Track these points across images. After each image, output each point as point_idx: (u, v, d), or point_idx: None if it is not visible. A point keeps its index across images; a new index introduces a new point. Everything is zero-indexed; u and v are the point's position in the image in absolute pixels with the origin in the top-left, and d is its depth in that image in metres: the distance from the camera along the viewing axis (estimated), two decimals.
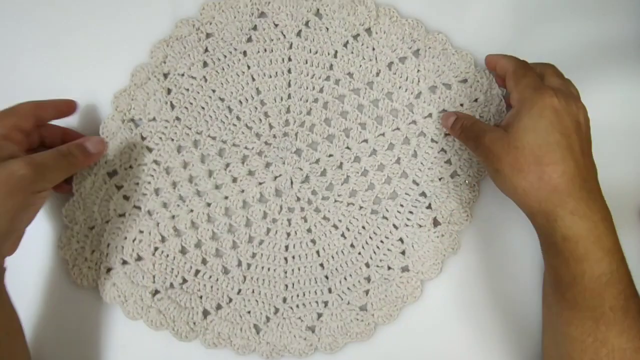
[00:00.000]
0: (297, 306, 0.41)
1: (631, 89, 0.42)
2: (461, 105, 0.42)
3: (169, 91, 0.42)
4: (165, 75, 0.42)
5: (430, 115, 0.42)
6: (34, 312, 0.42)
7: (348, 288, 0.41)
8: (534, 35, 0.43)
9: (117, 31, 0.43)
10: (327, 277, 0.42)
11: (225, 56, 0.42)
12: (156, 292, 0.41)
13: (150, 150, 0.41)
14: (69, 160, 0.36)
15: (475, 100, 0.42)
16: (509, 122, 0.34)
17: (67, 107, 0.39)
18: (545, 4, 0.43)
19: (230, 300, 0.41)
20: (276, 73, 0.42)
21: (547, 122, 0.32)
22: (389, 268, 0.41)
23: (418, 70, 0.41)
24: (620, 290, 0.32)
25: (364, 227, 0.42)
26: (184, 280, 0.42)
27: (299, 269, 0.42)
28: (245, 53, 0.42)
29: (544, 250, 0.35)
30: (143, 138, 0.41)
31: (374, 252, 0.41)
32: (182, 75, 0.42)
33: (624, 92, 0.42)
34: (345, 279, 0.41)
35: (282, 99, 0.42)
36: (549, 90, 0.33)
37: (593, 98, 0.40)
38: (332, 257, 0.42)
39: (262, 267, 0.42)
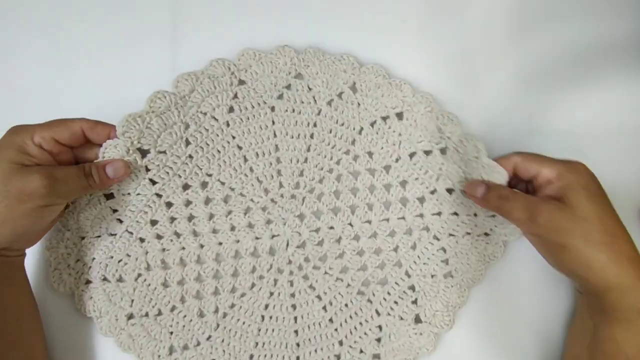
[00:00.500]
0: None
1: (631, 89, 0.43)
2: (475, 215, 0.41)
3: (187, 126, 0.41)
4: (187, 109, 0.41)
5: (439, 213, 0.42)
6: None
7: None
8: (534, 36, 0.43)
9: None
10: (298, 345, 0.42)
11: (253, 107, 0.42)
12: (131, 316, 0.41)
13: (153, 183, 0.41)
14: (88, 181, 0.37)
15: (493, 216, 0.41)
16: (560, 195, 0.33)
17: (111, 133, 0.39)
18: (546, 4, 0.43)
19: (199, 343, 0.42)
20: (299, 135, 0.42)
21: (599, 193, 0.33)
22: (361, 352, 0.41)
23: (440, 169, 0.41)
24: None
25: (346, 305, 0.42)
26: (160, 313, 0.42)
27: (272, 330, 0.42)
28: (273, 108, 0.42)
29: (603, 326, 0.33)
30: (148, 170, 0.41)
31: (350, 332, 0.41)
32: (205, 114, 0.41)
33: (624, 92, 0.43)
34: (315, 351, 0.41)
35: (298, 161, 0.42)
36: (578, 163, 0.35)
37: (593, 98, 0.42)
38: (309, 327, 0.42)
39: (238, 320, 0.42)
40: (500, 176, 0.38)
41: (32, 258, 0.41)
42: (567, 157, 0.41)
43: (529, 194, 0.36)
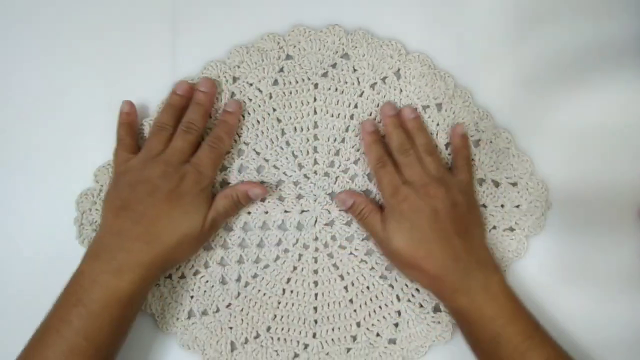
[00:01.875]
0: (278, 339, 0.42)
1: (631, 89, 0.44)
2: (502, 206, 0.42)
3: (232, 94, 0.43)
4: (235, 79, 0.43)
5: None
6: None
7: (332, 339, 0.42)
8: (534, 36, 0.44)
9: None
10: (315, 322, 0.42)
11: (297, 82, 0.43)
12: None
13: None
14: (237, 206, 0.41)
15: (517, 206, 0.42)
16: (385, 224, 0.39)
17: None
18: (545, 5, 0.44)
19: (218, 310, 0.43)
20: (339, 114, 0.43)
21: (409, 224, 0.38)
22: (378, 335, 0.42)
23: (472, 159, 0.42)
24: (513, 348, 0.36)
25: (368, 288, 0.42)
26: (182, 276, 0.43)
27: (292, 304, 0.42)
28: (316, 85, 0.43)
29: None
30: None
31: (369, 315, 0.42)
32: (251, 84, 0.43)
33: (624, 92, 0.44)
34: (332, 330, 0.42)
35: (335, 140, 0.43)
36: (402, 195, 0.39)
37: (592, 98, 0.43)
38: (328, 305, 0.42)
39: (259, 290, 0.42)
40: (528, 164, 0.42)
41: (63, 216, 0.42)
42: (566, 157, 0.43)
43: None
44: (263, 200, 0.43)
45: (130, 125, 0.41)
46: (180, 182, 0.38)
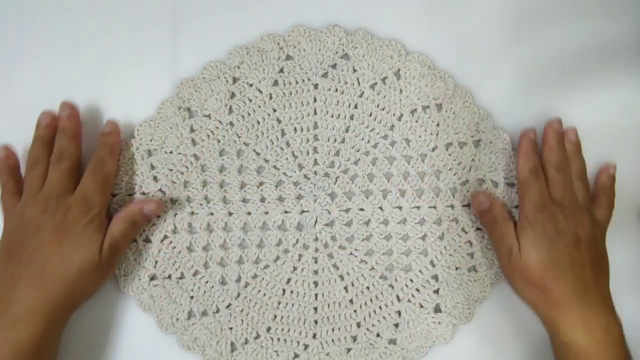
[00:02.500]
0: (278, 339, 0.42)
1: (631, 89, 0.44)
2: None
3: (232, 95, 0.43)
4: (235, 80, 0.43)
5: (469, 205, 0.43)
6: None
7: (332, 340, 0.42)
8: (534, 37, 0.44)
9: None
10: (315, 322, 0.43)
11: (297, 82, 0.43)
12: (154, 277, 0.43)
13: (194, 143, 0.43)
14: (135, 228, 0.41)
15: (516, 206, 0.42)
16: (520, 236, 0.38)
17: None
18: (545, 5, 0.44)
19: (218, 310, 0.43)
20: (339, 115, 0.43)
21: (549, 243, 0.37)
22: (378, 335, 0.42)
23: (472, 160, 0.43)
24: None
25: (368, 288, 0.43)
26: (182, 276, 0.43)
27: (292, 305, 0.43)
28: (316, 86, 0.43)
29: (553, 347, 0.39)
30: (192, 130, 0.43)
31: (369, 315, 0.42)
32: (251, 85, 0.43)
33: (624, 92, 0.44)
34: (333, 330, 0.42)
35: (335, 141, 0.43)
36: (549, 212, 0.38)
37: (593, 98, 0.44)
38: (328, 306, 0.42)
39: (259, 291, 0.43)
40: None
41: None
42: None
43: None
44: (263, 200, 0.43)
45: (10, 168, 0.41)
46: (65, 215, 0.37)
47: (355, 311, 0.42)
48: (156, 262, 0.43)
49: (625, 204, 0.43)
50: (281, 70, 0.43)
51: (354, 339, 0.42)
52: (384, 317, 0.42)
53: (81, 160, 0.41)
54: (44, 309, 0.36)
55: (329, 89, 0.43)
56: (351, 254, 0.43)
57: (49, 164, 0.40)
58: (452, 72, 0.43)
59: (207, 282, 0.43)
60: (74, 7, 0.44)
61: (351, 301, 0.43)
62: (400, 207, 0.43)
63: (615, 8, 0.44)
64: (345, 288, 0.43)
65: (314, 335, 0.42)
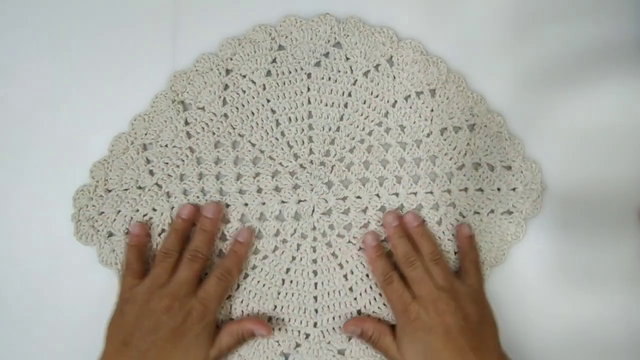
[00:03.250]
0: (279, 329, 0.42)
1: (630, 89, 0.44)
2: (498, 189, 0.43)
3: (226, 87, 0.43)
4: (228, 71, 0.43)
5: (465, 189, 0.43)
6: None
7: (333, 328, 0.43)
8: (533, 37, 0.44)
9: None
10: (316, 311, 0.43)
11: (290, 72, 0.44)
12: None
13: (189, 136, 0.43)
14: (241, 343, 0.41)
15: (514, 189, 0.43)
16: (399, 345, 0.39)
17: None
18: (545, 6, 0.45)
19: None
20: (333, 103, 0.43)
21: (422, 345, 0.38)
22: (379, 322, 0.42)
23: (468, 144, 0.43)
24: None
25: (367, 276, 0.43)
26: None
27: (292, 294, 0.43)
28: (309, 75, 0.44)
29: None
30: (187, 123, 0.43)
31: (369, 303, 0.43)
32: (244, 76, 0.43)
33: (624, 92, 0.44)
34: (333, 318, 0.43)
35: (330, 129, 0.43)
36: (412, 313, 0.38)
37: (592, 98, 0.44)
38: (328, 294, 0.43)
39: (258, 282, 0.43)
40: (520, 147, 0.43)
41: (60, 213, 0.43)
42: (566, 157, 0.43)
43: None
44: (259, 191, 0.43)
45: (139, 248, 0.42)
46: (186, 318, 0.38)
47: (355, 299, 0.43)
48: (154, 256, 0.43)
49: (625, 204, 0.43)
50: (274, 61, 0.43)
51: None
52: (384, 304, 0.43)
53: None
54: None
55: (322, 78, 0.43)
56: (349, 241, 0.43)
57: (180, 257, 0.40)
58: (445, 58, 0.44)
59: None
60: (73, 3, 0.45)
61: (351, 289, 0.43)
62: (397, 194, 0.43)
63: (616, 8, 0.45)
64: (345, 276, 0.43)
65: (315, 324, 0.43)
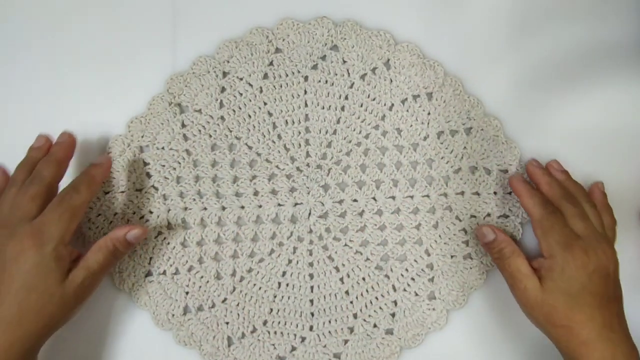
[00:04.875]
0: (275, 332, 0.43)
1: (631, 90, 0.45)
2: (495, 193, 0.43)
3: (222, 89, 0.44)
4: (225, 74, 0.44)
5: (462, 193, 0.44)
6: None
7: (329, 332, 0.43)
8: (530, 41, 0.45)
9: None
10: (312, 314, 0.43)
11: (287, 75, 0.45)
12: (149, 273, 0.44)
13: (186, 139, 0.43)
14: (116, 256, 0.39)
15: (510, 193, 0.43)
16: (543, 275, 0.37)
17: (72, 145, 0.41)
18: (542, 10, 0.45)
19: (213, 305, 0.44)
20: (329, 106, 0.44)
21: (579, 285, 0.36)
22: (375, 326, 0.43)
23: (464, 148, 0.44)
24: None
25: (364, 279, 0.43)
26: (177, 272, 0.44)
27: (288, 298, 0.43)
28: (306, 78, 0.44)
29: None
30: (184, 125, 0.44)
31: (366, 306, 0.43)
32: (241, 79, 0.44)
33: (624, 93, 0.45)
34: (329, 322, 0.43)
35: (327, 132, 0.44)
36: (578, 249, 0.37)
37: (593, 99, 0.44)
38: (324, 297, 0.43)
39: (254, 285, 0.43)
40: (516, 151, 0.44)
41: None
42: (566, 158, 0.44)
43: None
44: (256, 194, 0.44)
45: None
46: (15, 248, 0.35)
47: (351, 302, 0.43)
48: (150, 258, 0.43)
49: (625, 204, 0.44)
50: (271, 64, 0.44)
51: (351, 330, 0.43)
52: (380, 308, 0.43)
53: (57, 189, 0.39)
54: (7, 352, 0.34)
55: (319, 81, 0.44)
56: (346, 245, 0.44)
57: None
58: (442, 61, 0.44)
59: (202, 277, 0.43)
60: (73, 6, 0.45)
61: (347, 292, 0.43)
62: (393, 197, 0.44)
63: (615, 9, 0.45)
64: (341, 279, 0.44)
65: (311, 328, 0.43)
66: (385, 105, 0.44)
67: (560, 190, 0.40)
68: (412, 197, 0.44)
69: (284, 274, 0.44)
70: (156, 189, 0.44)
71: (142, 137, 0.44)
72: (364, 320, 0.43)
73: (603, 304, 0.37)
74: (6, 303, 0.35)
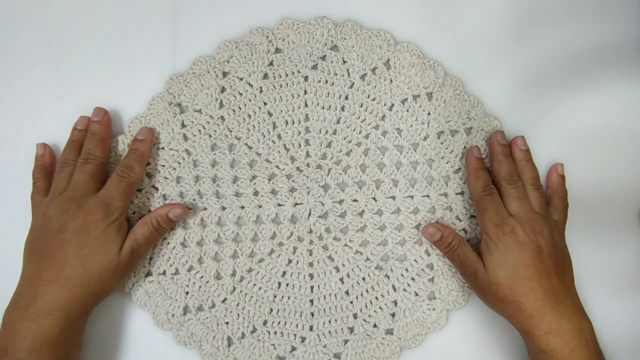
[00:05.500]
0: (275, 333, 0.43)
1: (630, 90, 0.45)
2: None
3: (222, 89, 0.44)
4: (225, 74, 0.44)
5: (462, 193, 0.44)
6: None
7: (329, 332, 0.43)
8: (530, 40, 0.45)
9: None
10: (312, 314, 0.44)
11: (287, 75, 0.45)
12: (149, 273, 0.44)
13: (186, 139, 0.44)
14: (159, 232, 0.42)
15: None
16: (483, 252, 0.40)
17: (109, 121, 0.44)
18: (542, 9, 0.46)
19: (213, 305, 0.44)
20: (329, 106, 0.44)
21: (513, 258, 0.39)
22: (375, 326, 0.43)
23: (464, 148, 0.44)
24: None
25: (364, 279, 0.44)
26: (177, 272, 0.44)
27: (288, 298, 0.44)
28: (306, 78, 0.44)
29: (529, 354, 0.40)
30: (183, 125, 0.44)
31: (366, 306, 0.43)
32: (241, 79, 0.44)
33: (623, 93, 0.45)
34: (329, 322, 0.43)
35: (327, 132, 0.44)
36: (507, 226, 0.39)
37: (592, 99, 0.45)
38: (324, 297, 0.44)
39: (254, 285, 0.44)
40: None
41: None
42: (566, 158, 0.44)
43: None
44: (256, 194, 0.44)
45: (44, 168, 0.43)
46: (85, 218, 0.39)
47: (351, 302, 0.44)
48: (150, 258, 0.44)
49: (625, 204, 0.44)
50: (271, 64, 0.44)
51: (351, 330, 0.43)
52: (380, 308, 0.43)
53: (107, 164, 0.43)
54: (64, 306, 0.38)
55: (319, 81, 0.44)
56: (346, 245, 0.44)
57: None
58: (442, 61, 0.44)
59: (202, 277, 0.44)
60: (73, 5, 0.45)
61: (347, 292, 0.44)
62: (393, 197, 0.44)
63: (615, 10, 0.46)
64: (341, 279, 0.44)
65: (311, 328, 0.43)
66: (385, 105, 0.44)
67: (506, 171, 0.42)
68: (412, 197, 0.44)
69: (284, 274, 0.44)
70: (156, 189, 0.44)
71: None
72: (364, 320, 0.43)
73: (542, 276, 0.38)
74: (73, 266, 0.39)
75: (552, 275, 0.39)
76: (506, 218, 0.40)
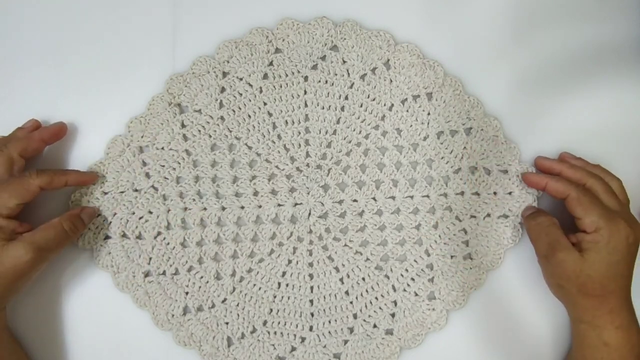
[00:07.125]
0: (275, 333, 0.43)
1: (630, 90, 0.46)
2: (495, 193, 0.44)
3: (222, 89, 0.44)
4: (225, 74, 0.44)
5: (462, 193, 0.44)
6: None
7: (329, 332, 0.44)
8: (530, 41, 0.46)
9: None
10: (312, 315, 0.44)
11: (286, 75, 0.45)
12: (148, 273, 0.44)
13: (186, 139, 0.44)
14: (68, 235, 0.41)
15: (510, 193, 0.44)
16: (585, 247, 0.39)
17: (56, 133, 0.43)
18: (542, 10, 0.46)
19: (213, 305, 0.45)
20: (329, 106, 0.45)
21: (620, 256, 0.38)
22: (375, 326, 0.44)
23: (464, 148, 0.44)
24: None
25: (364, 279, 0.44)
26: (177, 272, 0.44)
27: (288, 298, 0.44)
28: (306, 78, 0.45)
29: (577, 345, 0.41)
30: (183, 126, 0.44)
31: (365, 306, 0.44)
32: (241, 79, 0.44)
33: (623, 93, 0.46)
34: (329, 322, 0.44)
35: (327, 132, 0.44)
36: (622, 222, 0.39)
37: (592, 99, 0.45)
38: (324, 298, 0.44)
39: (254, 285, 0.44)
40: (516, 151, 0.44)
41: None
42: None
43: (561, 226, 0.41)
44: (256, 194, 0.44)
45: None
46: None
47: (351, 302, 0.44)
48: (150, 258, 0.44)
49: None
50: (270, 64, 0.45)
51: (351, 330, 0.44)
52: (380, 308, 0.44)
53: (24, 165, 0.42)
54: None
55: (319, 81, 0.45)
56: (346, 245, 0.44)
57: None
58: (442, 61, 0.45)
59: (201, 277, 0.44)
60: (73, 5, 0.46)
61: (347, 293, 0.44)
62: (393, 197, 0.44)
63: (614, 10, 0.46)
64: (341, 280, 0.44)
65: (311, 328, 0.44)
66: (385, 105, 0.45)
67: (584, 171, 0.42)
68: (412, 197, 0.44)
69: (283, 274, 0.44)
70: (156, 189, 0.44)
71: (142, 137, 0.44)
72: (364, 320, 0.44)
73: (631, 274, 0.39)
74: None
75: (632, 270, 0.39)
76: (615, 213, 0.39)
